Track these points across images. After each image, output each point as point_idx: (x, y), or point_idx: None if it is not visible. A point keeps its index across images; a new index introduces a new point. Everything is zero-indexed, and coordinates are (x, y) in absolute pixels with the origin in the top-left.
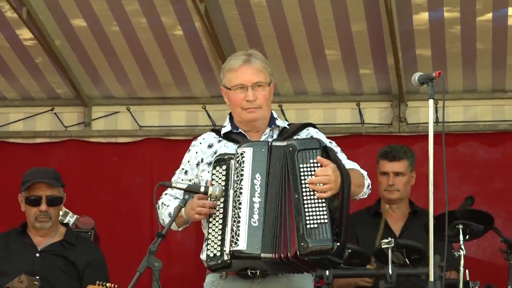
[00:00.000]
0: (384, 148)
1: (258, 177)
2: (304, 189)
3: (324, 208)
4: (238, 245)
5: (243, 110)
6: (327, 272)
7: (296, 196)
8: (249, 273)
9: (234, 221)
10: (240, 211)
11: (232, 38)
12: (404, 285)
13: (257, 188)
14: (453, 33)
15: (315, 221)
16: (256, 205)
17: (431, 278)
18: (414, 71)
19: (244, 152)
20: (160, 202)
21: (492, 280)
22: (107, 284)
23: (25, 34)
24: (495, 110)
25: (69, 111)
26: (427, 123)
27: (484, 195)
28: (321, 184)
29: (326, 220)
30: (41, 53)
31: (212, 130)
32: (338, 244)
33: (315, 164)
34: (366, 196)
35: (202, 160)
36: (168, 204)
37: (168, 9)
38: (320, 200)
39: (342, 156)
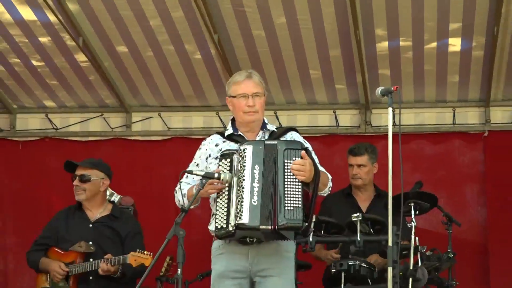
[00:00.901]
0: (351, 146)
1: (257, 168)
2: (286, 180)
3: (299, 196)
4: (242, 219)
5: (244, 114)
6: (310, 238)
7: (279, 184)
8: (248, 240)
9: (239, 200)
10: (243, 193)
11: (239, 62)
12: (369, 249)
13: (256, 175)
14: (407, 57)
15: (291, 205)
16: (256, 189)
17: (390, 243)
18: (377, 86)
19: (246, 148)
20: (176, 188)
21: (435, 245)
22: (145, 252)
23: (81, 57)
24: (438, 116)
25: (115, 116)
26: (387, 126)
27: (430, 181)
28: (298, 171)
29: (299, 205)
30: (93, 72)
31: (218, 133)
32: (306, 224)
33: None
34: (325, 194)
35: (210, 155)
36: (183, 188)
37: (190, 39)
38: (296, 189)
39: (315, 158)
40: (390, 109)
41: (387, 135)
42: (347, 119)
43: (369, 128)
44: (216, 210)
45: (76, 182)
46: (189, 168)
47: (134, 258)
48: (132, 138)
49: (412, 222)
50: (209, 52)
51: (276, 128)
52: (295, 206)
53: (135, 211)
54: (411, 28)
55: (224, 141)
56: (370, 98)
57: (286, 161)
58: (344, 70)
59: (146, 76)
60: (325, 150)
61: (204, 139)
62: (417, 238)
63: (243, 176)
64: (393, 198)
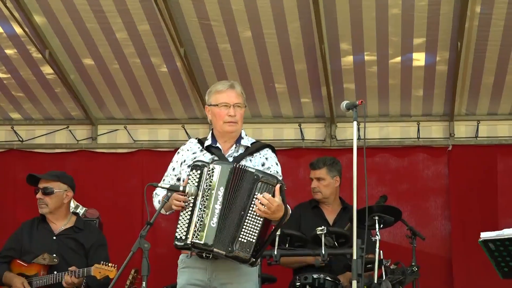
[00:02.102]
0: (312, 161)
1: (221, 189)
2: (250, 212)
3: (256, 231)
4: (198, 239)
5: (225, 124)
6: (275, 252)
7: (242, 213)
8: (204, 255)
9: (198, 219)
10: (204, 213)
11: (205, 75)
12: (334, 262)
13: (219, 197)
14: (371, 72)
15: (246, 237)
16: (216, 211)
17: (354, 257)
18: (342, 100)
19: (214, 168)
20: (154, 192)
21: (399, 259)
22: (109, 264)
23: (47, 70)
24: (402, 130)
25: (80, 128)
26: (351, 139)
27: (394, 194)
28: (264, 207)
29: (253, 241)
30: (59, 85)
31: (198, 141)
32: (253, 259)
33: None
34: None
35: (184, 161)
36: (159, 193)
37: (156, 52)
38: (257, 223)
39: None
40: (355, 123)
41: (352, 148)
42: (312, 132)
43: (334, 141)
44: (179, 219)
45: (39, 195)
46: (167, 171)
47: (99, 270)
48: (98, 150)
49: (376, 236)
50: (175, 66)
51: (252, 143)
52: (248, 240)
53: (101, 223)
54: (376, 42)
55: (201, 150)
56: (335, 111)
57: (257, 193)
58: (310, 84)
59: (112, 89)
60: (290, 163)
61: (175, 150)
62: (381, 251)
63: (207, 195)
64: (357, 211)
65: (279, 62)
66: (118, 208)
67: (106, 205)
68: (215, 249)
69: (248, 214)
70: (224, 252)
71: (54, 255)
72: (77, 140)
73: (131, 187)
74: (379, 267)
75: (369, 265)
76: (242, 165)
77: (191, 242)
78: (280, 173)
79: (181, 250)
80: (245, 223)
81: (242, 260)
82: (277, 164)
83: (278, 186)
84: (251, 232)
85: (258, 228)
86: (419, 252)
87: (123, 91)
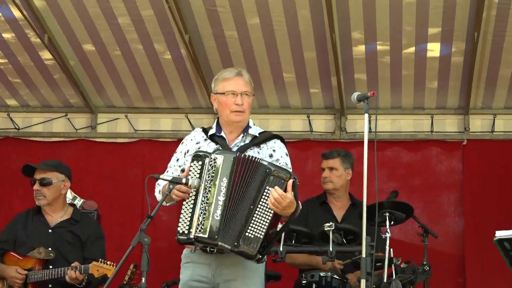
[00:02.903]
0: (323, 152)
1: (224, 180)
2: (259, 206)
3: (265, 227)
4: (202, 232)
5: (232, 113)
6: (281, 248)
7: (251, 207)
8: (208, 250)
9: (201, 212)
10: (207, 205)
11: (210, 62)
12: (342, 260)
13: (223, 189)
14: (384, 62)
15: (253, 233)
16: (220, 203)
17: (364, 255)
18: (352, 91)
19: (217, 158)
20: (156, 183)
21: (411, 257)
22: (108, 262)
23: (46, 55)
24: (415, 123)
25: (80, 117)
26: (362, 132)
27: (405, 190)
28: (275, 201)
29: (261, 236)
30: (58, 71)
31: (203, 129)
32: (260, 256)
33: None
34: None
35: (188, 151)
36: (160, 184)
37: (160, 38)
38: (266, 218)
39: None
40: (366, 115)
41: (363, 142)
42: (321, 124)
43: (344, 134)
44: (181, 213)
45: (36, 187)
46: (171, 162)
47: (97, 268)
48: (97, 139)
49: (386, 233)
50: (179, 53)
51: (260, 133)
52: (256, 236)
53: (99, 216)
54: (389, 32)
55: (206, 140)
56: (345, 103)
57: (267, 187)
58: (319, 74)
59: (113, 76)
60: (298, 156)
61: (178, 140)
62: (391, 249)
63: (209, 187)
64: (367, 207)
65: (288, 50)
66: (118, 200)
67: (105, 197)
68: (219, 243)
69: (258, 208)
70: (229, 246)
71: (50, 249)
72: (76, 129)
73: (131, 179)
74: (389, 266)
75: (379, 264)
76: (250, 156)
77: (195, 236)
78: (289, 165)
79: (184, 245)
80: (254, 218)
81: (248, 256)
82: (286, 155)
83: (291, 181)
84: (259, 228)
85: (267, 224)
86: (431, 250)
87: (125, 79)
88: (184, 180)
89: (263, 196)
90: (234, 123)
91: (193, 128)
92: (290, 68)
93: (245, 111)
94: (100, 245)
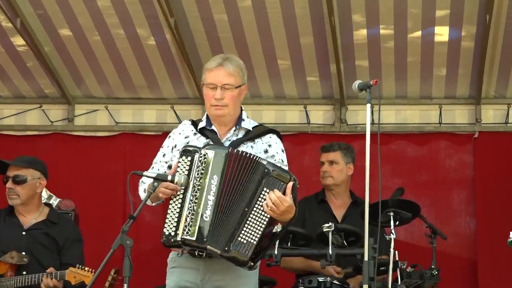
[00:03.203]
0: (322, 144)
1: (215, 178)
2: (255, 209)
3: (259, 232)
4: (189, 234)
5: (212, 107)
6: (275, 251)
7: (246, 209)
8: (196, 254)
9: (189, 212)
10: (195, 205)
11: (198, 48)
12: (342, 264)
13: (213, 187)
14: (388, 47)
15: (246, 237)
16: (210, 202)
17: (366, 258)
18: (353, 79)
19: (207, 154)
20: (140, 180)
21: (417, 261)
22: (85, 268)
23: (18, 41)
24: (422, 114)
25: (55, 108)
26: (364, 124)
27: (412, 187)
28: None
29: (254, 242)
30: (32, 58)
31: (192, 123)
32: (252, 263)
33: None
34: None
35: (175, 146)
36: (145, 181)
37: (143, 22)
38: (261, 223)
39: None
40: (368, 105)
41: (365, 134)
42: (320, 115)
43: (344, 126)
44: (167, 213)
45: (9, 185)
46: (157, 157)
47: (73, 274)
48: (75, 133)
49: (391, 234)
50: (164, 38)
51: (255, 127)
52: (249, 241)
53: (77, 216)
54: (393, 14)
55: (195, 134)
56: (345, 92)
57: (265, 189)
58: (317, 61)
59: (92, 63)
60: (294, 150)
61: (163, 134)
62: (396, 252)
63: (199, 185)
64: (370, 206)
65: (283, 35)
66: (97, 199)
67: (83, 196)
68: (208, 247)
69: (253, 211)
70: (219, 251)
71: (24, 253)
72: (51, 122)
73: (112, 176)
74: (394, 270)
75: (383, 268)
76: (246, 153)
77: (182, 238)
78: (285, 162)
79: (171, 248)
80: (248, 221)
81: (240, 263)
82: (282, 151)
83: (290, 184)
84: (253, 232)
85: (262, 228)
86: (440, 253)
87: (105, 66)
88: (170, 178)
89: (259, 199)
90: (217, 117)
91: (180, 121)
92: (285, 54)
93: (228, 105)
94: (78, 249)
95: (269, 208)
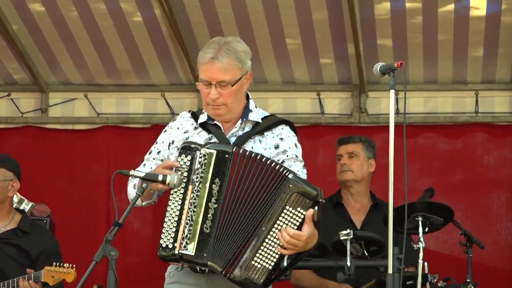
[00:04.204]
0: (338, 138)
1: (217, 182)
2: (273, 230)
3: (276, 256)
4: (187, 249)
5: (208, 105)
6: (285, 263)
7: (263, 228)
8: (198, 269)
9: (187, 223)
10: (194, 214)
11: (192, 25)
12: (362, 277)
13: (215, 193)
14: (415, 24)
15: (261, 261)
16: (211, 211)
17: (390, 270)
18: (375, 61)
19: (208, 154)
20: (130, 178)
21: (451, 273)
22: (65, 265)
23: None
24: (455, 102)
25: (26, 97)
26: (388, 114)
27: (443, 187)
28: (287, 243)
29: (270, 267)
30: None
31: (192, 115)
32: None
33: (300, 216)
34: None
35: (173, 142)
36: (133, 179)
37: None
38: (277, 247)
39: (302, 173)
40: (392, 92)
41: (387, 126)
42: (335, 104)
43: (364, 116)
44: (164, 221)
45: None
46: (149, 155)
47: (51, 274)
48: (49, 126)
49: (419, 243)
50: (153, 13)
51: (264, 118)
52: (264, 266)
53: (52, 223)
54: None
55: (196, 128)
56: (365, 77)
57: (287, 207)
58: (332, 40)
59: (68, 44)
60: (305, 145)
61: (147, 127)
62: (426, 263)
63: (198, 191)
64: (394, 210)
65: (292, 10)
66: (76, 203)
67: (61, 199)
68: (209, 263)
69: (271, 232)
70: (220, 269)
71: None
72: (22, 113)
73: (93, 176)
74: (423, 284)
75: (410, 282)
76: (254, 153)
77: (179, 253)
78: (300, 157)
79: (168, 263)
80: (265, 243)
81: (248, 286)
82: (296, 146)
83: (310, 212)
84: (270, 257)
85: (277, 255)
86: (476, 264)
87: (83, 48)
88: (161, 177)
89: (280, 218)
90: (215, 117)
91: (171, 111)
92: (295, 32)
93: (226, 104)
94: (56, 262)
95: (283, 248)
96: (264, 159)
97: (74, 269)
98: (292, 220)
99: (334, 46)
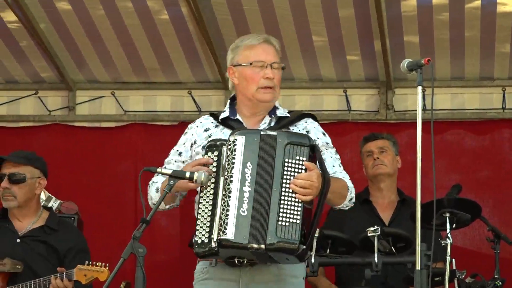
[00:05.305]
0: (364, 136)
1: (249, 166)
2: (284, 185)
3: (299, 209)
4: (226, 234)
5: (259, 90)
6: (312, 260)
7: (274, 189)
8: (236, 262)
9: (223, 209)
10: (229, 200)
11: (219, 23)
12: (390, 274)
13: (248, 177)
14: (441, 20)
15: (287, 220)
16: (246, 194)
17: (418, 267)
18: (401, 58)
19: (236, 140)
20: (151, 181)
21: (478, 270)
22: (97, 264)
23: (9, 17)
24: (482, 98)
25: (53, 95)
26: (415, 110)
27: (471, 184)
28: (303, 188)
29: (298, 221)
30: (25, 37)
31: (211, 115)
32: (304, 247)
33: (301, 162)
34: (346, 208)
35: (195, 142)
36: (156, 180)
37: None
38: (295, 200)
39: (335, 159)
40: (419, 88)
41: (414, 122)
42: (362, 101)
43: (391, 113)
44: (197, 219)
45: (5, 184)
46: (169, 158)
47: (83, 272)
48: (77, 124)
49: (447, 239)
50: (180, 12)
51: (288, 112)
52: (292, 222)
53: (80, 221)
54: None
55: (216, 126)
56: (392, 73)
57: (287, 159)
58: (359, 37)
59: (95, 42)
60: (332, 142)
61: (174, 124)
62: (453, 259)
63: (231, 176)
64: (422, 206)
65: (318, 7)
66: (104, 201)
67: (88, 198)
68: (250, 245)
69: (283, 189)
70: (263, 246)
71: (20, 261)
72: (49, 111)
73: (121, 173)
74: (451, 281)
75: (438, 278)
76: (270, 132)
77: (218, 240)
78: (331, 144)
79: (205, 259)
80: (282, 202)
81: (289, 251)
82: (324, 134)
83: (306, 162)
84: (292, 212)
85: (300, 204)
86: (505, 260)
87: (110, 46)
88: (188, 174)
89: (285, 172)
90: (261, 103)
91: (198, 108)
92: (321, 29)
93: (276, 87)
94: (84, 259)
95: (302, 193)
96: (271, 133)
97: (107, 267)
98: (296, 169)
99: (360, 43)
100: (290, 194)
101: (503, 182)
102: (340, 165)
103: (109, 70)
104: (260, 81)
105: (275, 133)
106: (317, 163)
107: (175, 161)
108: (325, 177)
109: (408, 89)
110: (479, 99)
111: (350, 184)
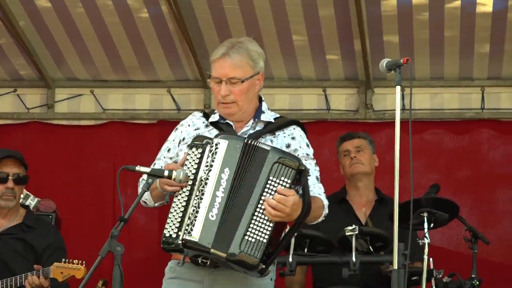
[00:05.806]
0: (340, 136)
1: (227, 172)
2: (261, 201)
3: (270, 228)
4: (191, 234)
5: (219, 104)
6: (290, 258)
7: (251, 203)
8: (199, 261)
9: (194, 210)
10: (201, 202)
11: (199, 22)
12: (367, 273)
13: (223, 182)
14: (421, 20)
15: (254, 235)
16: (218, 199)
17: (395, 266)
18: (381, 58)
19: (219, 143)
20: (140, 178)
21: (456, 269)
22: (74, 261)
23: None
24: (462, 98)
25: (32, 92)
26: (394, 110)
27: (449, 183)
28: (273, 209)
29: (265, 240)
30: (4, 34)
31: (204, 115)
32: (263, 266)
33: (284, 184)
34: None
35: (183, 139)
36: (145, 178)
37: None
38: (268, 220)
39: (314, 170)
40: (398, 88)
41: (393, 122)
42: (341, 100)
43: (370, 112)
44: (170, 212)
45: (10, 184)
46: (160, 153)
47: (60, 270)
48: (56, 122)
49: (425, 238)
50: (159, 10)
51: (276, 118)
52: (258, 239)
53: (58, 219)
54: None
55: (207, 126)
56: (372, 73)
57: (271, 177)
58: (338, 36)
59: (74, 40)
60: (311, 141)
61: (153, 123)
62: (431, 259)
63: (207, 178)
64: (400, 206)
65: (298, 6)
66: (82, 199)
67: (66, 195)
68: (212, 250)
69: (259, 205)
70: (224, 255)
71: None
72: (28, 108)
73: (99, 171)
74: (428, 280)
75: (415, 277)
76: (255, 141)
77: (182, 239)
78: (311, 155)
79: (171, 253)
80: (255, 217)
81: (249, 266)
82: (307, 146)
83: (285, 189)
84: (262, 230)
85: (271, 225)
86: (482, 260)
87: (90, 44)
88: (166, 173)
89: (266, 189)
90: (226, 116)
91: (177, 107)
92: (301, 28)
93: (237, 102)
94: (60, 257)
95: (273, 214)
96: (260, 144)
97: (84, 265)
98: (276, 188)
99: (340, 43)
100: (264, 212)
101: (481, 182)
102: (318, 177)
103: (88, 68)
104: (218, 97)
105: (268, 147)
106: (301, 188)
107: (164, 157)
108: (305, 204)
109: (387, 88)
110: (458, 99)
111: (325, 201)
